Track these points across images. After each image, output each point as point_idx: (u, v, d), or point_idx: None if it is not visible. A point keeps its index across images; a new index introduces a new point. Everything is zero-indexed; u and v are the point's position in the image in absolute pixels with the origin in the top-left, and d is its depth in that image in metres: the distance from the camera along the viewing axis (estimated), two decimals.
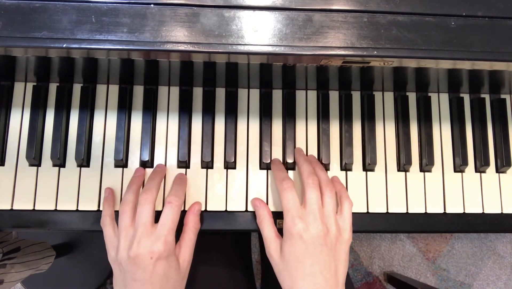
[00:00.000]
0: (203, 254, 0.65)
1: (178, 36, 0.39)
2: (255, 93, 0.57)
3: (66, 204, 0.52)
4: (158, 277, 0.44)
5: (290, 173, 0.55)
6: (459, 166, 0.56)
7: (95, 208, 0.52)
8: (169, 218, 0.46)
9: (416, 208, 0.55)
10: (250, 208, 0.53)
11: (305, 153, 0.55)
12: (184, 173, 0.54)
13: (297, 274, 0.45)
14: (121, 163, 0.53)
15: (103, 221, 0.49)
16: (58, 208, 0.52)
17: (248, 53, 0.40)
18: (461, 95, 0.59)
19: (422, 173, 0.56)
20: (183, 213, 0.51)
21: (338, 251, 0.47)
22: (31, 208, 0.52)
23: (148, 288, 0.44)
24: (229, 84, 0.56)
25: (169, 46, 0.39)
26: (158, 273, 0.44)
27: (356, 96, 0.57)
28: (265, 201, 0.54)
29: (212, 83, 0.56)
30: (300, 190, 0.54)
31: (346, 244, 0.47)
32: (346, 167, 0.56)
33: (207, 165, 0.54)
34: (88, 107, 0.54)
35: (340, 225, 0.48)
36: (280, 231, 0.49)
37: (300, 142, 0.56)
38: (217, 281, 0.63)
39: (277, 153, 0.55)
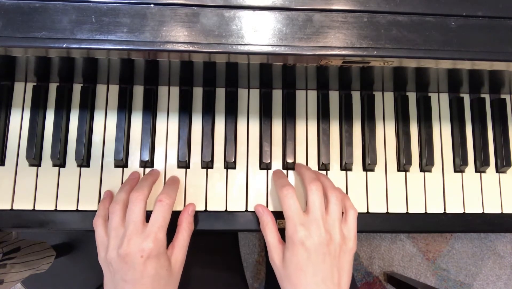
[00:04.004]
0: (195, 255, 0.65)
1: (178, 36, 0.39)
2: (255, 93, 0.57)
3: (66, 204, 0.52)
4: (149, 277, 0.43)
5: (291, 173, 0.55)
6: (459, 166, 0.56)
7: (95, 208, 0.52)
8: (159, 216, 0.45)
9: (416, 208, 0.55)
10: (250, 208, 0.53)
11: (305, 153, 0.55)
12: (184, 172, 0.54)
13: (299, 283, 0.44)
14: (121, 163, 0.53)
15: (96, 221, 0.48)
16: (58, 208, 0.52)
17: (248, 53, 0.40)
18: (461, 95, 0.59)
19: (422, 173, 0.56)
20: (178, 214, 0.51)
21: (341, 260, 0.45)
22: (31, 208, 0.52)
23: None
24: (229, 84, 0.56)
25: (169, 46, 0.39)
26: (148, 272, 0.43)
27: (356, 96, 0.57)
28: (265, 201, 0.54)
29: (212, 83, 0.56)
30: (304, 197, 0.54)
31: (350, 253, 0.46)
32: (346, 167, 0.56)
33: (207, 165, 0.54)
34: (88, 107, 0.54)
35: (344, 234, 0.46)
36: (281, 231, 0.49)
37: (300, 142, 0.56)
38: (211, 281, 0.63)
39: (277, 153, 0.55)
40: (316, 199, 0.46)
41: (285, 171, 0.55)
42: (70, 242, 1.10)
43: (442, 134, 0.58)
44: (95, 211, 0.52)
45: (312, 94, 0.57)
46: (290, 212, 0.46)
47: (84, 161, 0.53)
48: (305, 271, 0.44)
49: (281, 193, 0.47)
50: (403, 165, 0.56)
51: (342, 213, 0.48)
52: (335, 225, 0.46)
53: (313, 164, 0.55)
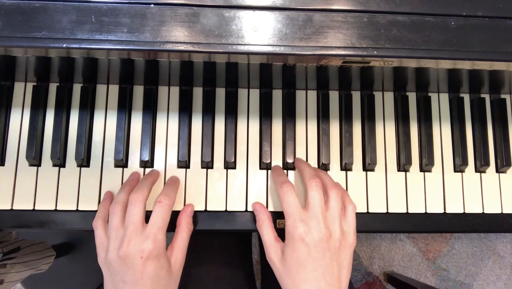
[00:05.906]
0: (203, 254, 0.65)
1: (178, 36, 0.39)
2: (255, 93, 0.57)
3: (66, 204, 0.52)
4: (148, 278, 0.43)
5: (291, 173, 0.55)
6: (459, 166, 0.56)
7: (95, 208, 0.52)
8: (159, 217, 0.45)
9: (416, 208, 0.55)
10: (250, 208, 0.53)
11: (305, 153, 0.55)
12: (184, 172, 0.54)
13: (299, 279, 0.44)
14: (121, 163, 0.53)
15: (95, 222, 0.48)
16: (58, 208, 0.52)
17: (248, 53, 0.40)
18: (461, 95, 0.59)
19: (422, 173, 0.56)
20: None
21: (341, 255, 0.46)
22: (31, 208, 0.52)
23: None
24: (229, 84, 0.56)
25: (169, 46, 0.39)
26: (148, 273, 0.43)
27: (356, 96, 0.57)
28: (265, 201, 0.54)
29: (212, 83, 0.56)
30: (303, 194, 0.54)
31: (349, 248, 0.46)
32: (346, 167, 0.56)
33: (207, 165, 0.54)
34: (88, 107, 0.54)
35: (344, 229, 0.46)
36: (280, 231, 0.49)
37: (300, 142, 0.56)
38: (217, 280, 0.63)
39: (277, 153, 0.55)
40: (315, 195, 0.46)
41: (285, 171, 0.55)
42: (70, 242, 1.10)
43: (442, 134, 0.58)
44: (95, 211, 0.52)
45: (312, 94, 0.57)
46: (289, 209, 0.46)
47: (84, 161, 0.53)
48: (305, 266, 0.44)
49: (281, 190, 0.47)
50: (403, 165, 0.56)
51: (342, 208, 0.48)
52: (335, 220, 0.46)
53: (313, 164, 0.55)
